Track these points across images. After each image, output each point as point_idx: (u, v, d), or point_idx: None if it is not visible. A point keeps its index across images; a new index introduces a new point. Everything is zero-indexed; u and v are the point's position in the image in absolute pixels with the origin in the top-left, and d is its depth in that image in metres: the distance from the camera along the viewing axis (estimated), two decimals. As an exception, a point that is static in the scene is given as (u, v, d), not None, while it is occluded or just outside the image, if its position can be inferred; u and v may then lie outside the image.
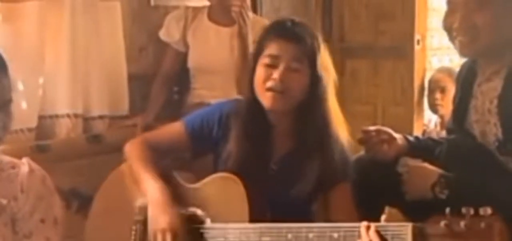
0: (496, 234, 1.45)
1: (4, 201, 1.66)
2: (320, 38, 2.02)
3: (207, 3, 2.91)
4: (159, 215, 1.88)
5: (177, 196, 1.93)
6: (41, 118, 2.56)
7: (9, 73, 1.68)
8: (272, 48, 1.95)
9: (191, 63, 2.89)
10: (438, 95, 3.55)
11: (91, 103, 2.68)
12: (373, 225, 1.61)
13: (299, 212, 1.95)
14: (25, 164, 1.71)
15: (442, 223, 1.49)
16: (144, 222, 1.98)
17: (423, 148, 2.14)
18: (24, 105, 2.49)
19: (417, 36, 3.59)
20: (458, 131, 2.12)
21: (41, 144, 2.47)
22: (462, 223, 1.47)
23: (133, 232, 1.98)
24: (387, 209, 1.65)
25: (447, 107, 3.25)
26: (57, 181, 1.84)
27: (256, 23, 2.74)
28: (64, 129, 2.59)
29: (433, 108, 3.63)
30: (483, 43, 1.90)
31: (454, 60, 3.93)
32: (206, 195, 1.92)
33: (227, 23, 2.84)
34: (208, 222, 1.89)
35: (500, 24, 1.89)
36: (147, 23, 2.95)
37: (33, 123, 2.51)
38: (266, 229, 1.79)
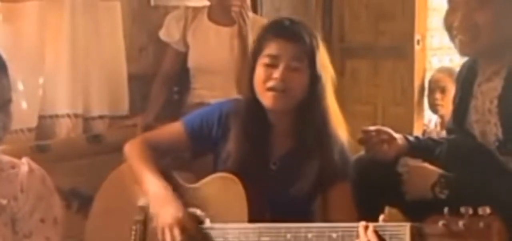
0: (494, 233, 1.45)
1: (4, 201, 1.66)
2: (318, 37, 2.02)
3: (207, 3, 2.91)
4: (164, 211, 1.88)
5: (176, 196, 1.93)
6: (41, 118, 2.56)
7: (8, 73, 1.68)
8: (271, 48, 1.95)
9: (191, 63, 2.89)
10: (438, 95, 3.55)
11: (91, 103, 2.68)
12: (371, 225, 1.61)
13: (299, 211, 1.95)
14: (24, 164, 1.71)
15: (440, 223, 1.49)
16: (144, 222, 1.98)
17: (423, 148, 2.14)
18: (24, 105, 2.49)
19: (417, 36, 3.59)
20: (458, 131, 2.12)
21: (41, 144, 2.47)
22: (460, 223, 1.47)
23: (133, 232, 1.98)
24: (387, 209, 1.65)
25: (447, 107, 3.25)
26: (57, 181, 1.84)
27: (256, 23, 2.73)
28: (64, 129, 2.59)
29: (433, 108, 3.63)
30: (483, 42, 1.90)
31: (454, 60, 3.93)
32: (206, 195, 1.92)
33: (227, 23, 2.84)
34: (207, 222, 1.89)
35: (500, 24, 1.89)
36: (147, 23, 2.95)
37: (33, 123, 2.52)
38: (265, 229, 1.79)
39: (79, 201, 2.47)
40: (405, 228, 1.56)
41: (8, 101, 1.67)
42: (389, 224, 1.60)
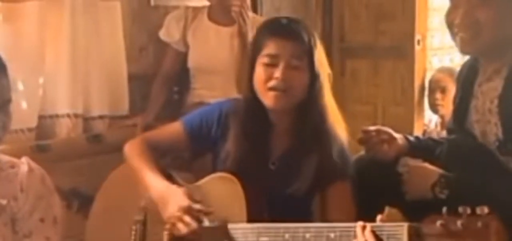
0: (493, 233, 1.45)
1: (4, 201, 1.66)
2: (316, 35, 2.02)
3: (207, 3, 2.91)
4: (169, 205, 1.87)
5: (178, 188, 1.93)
6: (41, 118, 2.56)
7: (8, 73, 1.68)
8: (270, 47, 1.95)
9: (191, 63, 2.89)
10: (438, 95, 3.55)
11: (91, 103, 2.68)
12: (368, 225, 1.61)
13: (297, 210, 1.95)
14: (24, 164, 1.71)
15: (438, 223, 1.49)
16: (144, 222, 1.98)
17: (423, 148, 2.14)
18: (24, 105, 2.49)
19: (417, 36, 3.59)
20: (458, 131, 2.12)
21: (41, 144, 2.47)
22: (458, 223, 1.47)
23: (133, 232, 1.98)
24: (387, 209, 1.65)
25: (447, 107, 3.24)
26: (57, 181, 1.84)
27: (256, 23, 2.73)
28: (64, 129, 2.59)
29: (434, 108, 3.62)
30: (484, 40, 1.90)
31: (455, 60, 3.94)
32: (204, 195, 1.92)
33: (227, 23, 2.84)
34: (206, 223, 1.89)
35: (502, 22, 1.89)
36: (147, 23, 2.95)
37: (33, 123, 2.52)
38: (264, 229, 1.79)
39: (79, 201, 2.47)
40: (402, 228, 1.56)
41: (8, 101, 1.67)
42: (387, 224, 1.60)
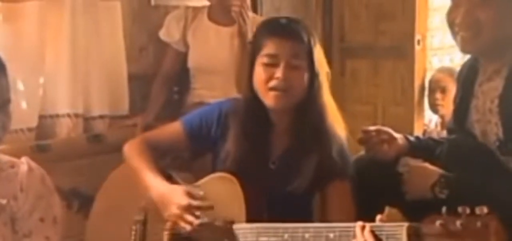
0: (492, 233, 1.44)
1: (4, 201, 1.66)
2: (315, 34, 2.02)
3: (207, 3, 2.91)
4: (168, 203, 1.88)
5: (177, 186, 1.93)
6: (41, 117, 2.56)
7: (7, 73, 1.68)
8: (270, 47, 1.95)
9: (191, 63, 2.89)
10: (438, 95, 3.55)
11: (92, 103, 2.68)
12: (368, 225, 1.61)
13: (298, 208, 1.95)
14: (24, 163, 1.71)
15: (438, 223, 1.49)
16: (144, 222, 1.98)
17: (423, 148, 2.14)
18: (24, 105, 2.49)
19: (417, 36, 3.59)
20: (459, 131, 2.12)
21: (42, 144, 2.47)
22: (458, 223, 1.47)
23: (133, 232, 1.98)
24: (387, 209, 1.65)
25: (447, 107, 3.24)
26: (57, 181, 1.84)
27: (256, 23, 2.73)
28: (64, 129, 2.59)
29: (434, 108, 3.62)
30: (485, 39, 1.90)
31: (455, 60, 3.93)
32: (204, 195, 1.92)
33: (227, 23, 2.84)
34: (209, 222, 1.89)
35: (502, 21, 1.89)
36: (147, 23, 2.95)
37: (34, 123, 2.52)
38: (263, 229, 1.79)
39: (79, 201, 2.47)
40: (402, 228, 1.56)
41: (7, 101, 1.67)
42: (386, 224, 1.60)
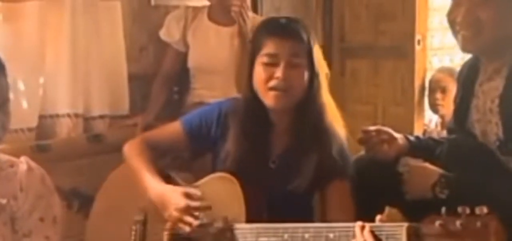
0: (492, 233, 1.44)
1: (4, 201, 1.66)
2: (313, 34, 2.02)
3: (207, 3, 2.91)
4: (167, 205, 1.88)
5: (175, 188, 1.93)
6: (41, 117, 2.56)
7: (6, 73, 1.68)
8: (269, 47, 1.95)
9: (191, 63, 2.89)
10: (438, 95, 3.55)
11: (92, 102, 2.68)
12: (367, 225, 1.61)
13: (298, 207, 1.95)
14: (23, 163, 1.71)
15: (437, 223, 1.49)
16: (144, 222, 1.98)
17: (423, 148, 2.14)
18: (24, 104, 2.49)
19: (417, 36, 3.58)
20: (459, 131, 2.12)
21: (42, 144, 2.47)
22: (457, 223, 1.47)
23: (133, 232, 1.98)
24: (387, 209, 1.65)
25: (447, 107, 3.24)
26: (58, 181, 1.84)
27: (256, 23, 2.73)
28: (64, 128, 2.59)
29: (434, 108, 3.62)
30: (486, 38, 1.91)
31: (455, 60, 3.93)
32: (204, 195, 1.92)
33: (227, 23, 2.84)
34: (210, 224, 1.88)
35: (503, 20, 1.90)
36: (148, 23, 2.95)
37: (34, 123, 2.52)
38: (263, 229, 1.79)
39: (79, 201, 2.47)
40: (401, 229, 1.56)
41: (6, 100, 1.67)
42: (386, 224, 1.60)
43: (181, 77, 2.93)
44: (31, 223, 1.68)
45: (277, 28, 1.99)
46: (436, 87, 3.57)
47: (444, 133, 2.73)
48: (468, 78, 2.07)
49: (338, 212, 1.92)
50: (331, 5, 3.84)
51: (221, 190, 1.90)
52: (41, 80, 2.54)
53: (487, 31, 1.89)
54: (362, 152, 2.15)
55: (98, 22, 2.67)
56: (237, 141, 1.99)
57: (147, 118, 2.76)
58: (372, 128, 2.14)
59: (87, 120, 2.68)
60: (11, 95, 1.69)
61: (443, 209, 1.50)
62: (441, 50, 4.06)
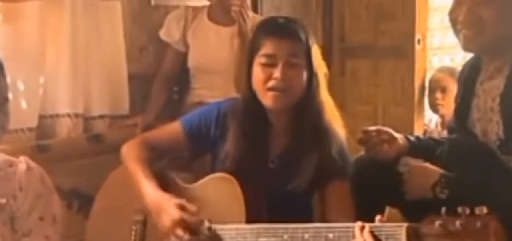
0: (491, 233, 1.44)
1: (3, 200, 1.65)
2: (311, 33, 2.02)
3: (207, 3, 2.91)
4: (162, 215, 1.87)
5: (172, 197, 1.93)
6: (41, 117, 2.56)
7: (5, 73, 1.68)
8: (267, 47, 1.95)
9: (191, 63, 2.89)
10: (438, 95, 3.55)
11: (92, 102, 2.68)
12: (367, 225, 1.61)
13: (298, 206, 1.95)
14: (22, 162, 1.71)
15: (437, 223, 1.49)
16: (144, 222, 1.98)
17: (424, 148, 2.14)
18: (24, 104, 2.49)
19: (417, 36, 3.58)
20: (460, 130, 2.12)
21: (42, 144, 2.47)
22: (457, 223, 1.47)
23: (133, 232, 1.98)
24: (387, 209, 1.65)
25: (448, 106, 3.24)
26: (57, 181, 1.84)
27: (256, 23, 2.73)
28: (64, 128, 2.59)
29: (434, 108, 3.62)
30: (487, 37, 1.91)
31: (455, 60, 3.93)
32: (203, 195, 1.92)
33: (227, 23, 2.84)
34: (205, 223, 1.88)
35: (505, 19, 1.90)
36: (148, 23, 2.96)
37: (34, 123, 2.52)
38: (263, 229, 1.79)
39: (79, 201, 2.47)
40: (401, 229, 1.56)
41: (5, 100, 1.67)
42: (385, 224, 1.60)
43: (181, 77, 2.94)
44: (31, 223, 1.68)
45: (275, 28, 1.98)
46: (436, 87, 3.57)
47: (445, 133, 2.73)
48: (469, 77, 2.07)
49: (338, 212, 1.92)
50: (331, 5, 3.84)
51: (221, 190, 1.90)
52: (41, 80, 2.54)
53: (488, 30, 1.89)
54: (362, 152, 2.15)
55: (98, 22, 2.68)
56: (236, 141, 1.98)
57: (147, 118, 2.76)
58: (372, 128, 2.14)
59: (87, 120, 2.68)
60: (10, 95, 1.69)
61: (443, 209, 1.50)
62: (441, 50, 4.06)
